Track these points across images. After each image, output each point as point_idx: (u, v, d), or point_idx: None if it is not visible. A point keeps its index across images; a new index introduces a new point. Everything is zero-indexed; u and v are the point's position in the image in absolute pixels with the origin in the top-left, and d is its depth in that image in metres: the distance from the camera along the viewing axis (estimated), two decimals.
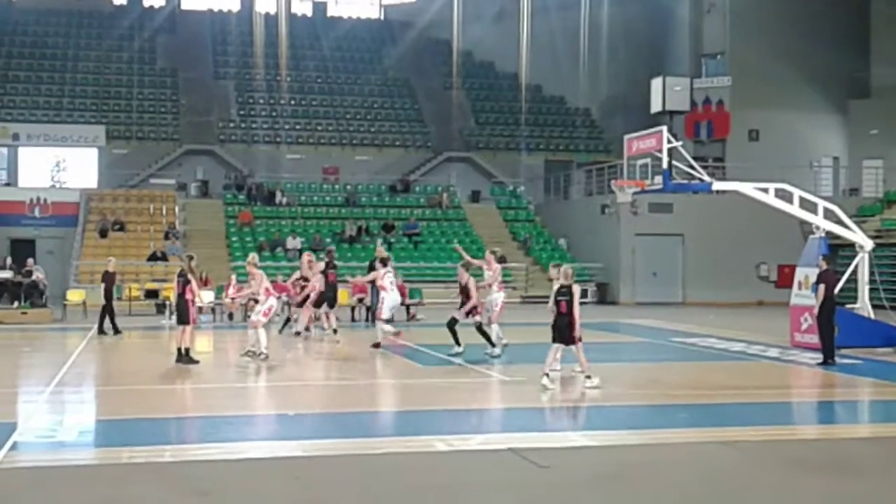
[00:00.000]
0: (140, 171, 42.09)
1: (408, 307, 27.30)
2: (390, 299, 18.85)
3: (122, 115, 44.79)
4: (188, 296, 16.63)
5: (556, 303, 13.88)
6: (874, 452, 10.21)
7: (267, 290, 17.40)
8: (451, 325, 17.44)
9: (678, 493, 8.44)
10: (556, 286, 14.08)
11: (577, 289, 13.94)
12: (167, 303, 26.63)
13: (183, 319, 16.64)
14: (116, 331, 22.25)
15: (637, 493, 8.42)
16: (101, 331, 22.13)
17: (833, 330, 17.15)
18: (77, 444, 10.36)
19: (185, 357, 16.29)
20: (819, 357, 17.24)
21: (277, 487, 8.44)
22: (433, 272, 35.84)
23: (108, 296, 22.35)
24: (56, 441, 10.41)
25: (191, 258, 17.28)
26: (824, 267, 17.47)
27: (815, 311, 17.26)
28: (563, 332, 13.87)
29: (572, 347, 14.07)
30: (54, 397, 13.42)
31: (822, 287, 17.13)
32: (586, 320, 16.41)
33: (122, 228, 36.88)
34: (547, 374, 13.98)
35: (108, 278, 22.57)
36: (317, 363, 18.43)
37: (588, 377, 14.02)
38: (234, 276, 28.08)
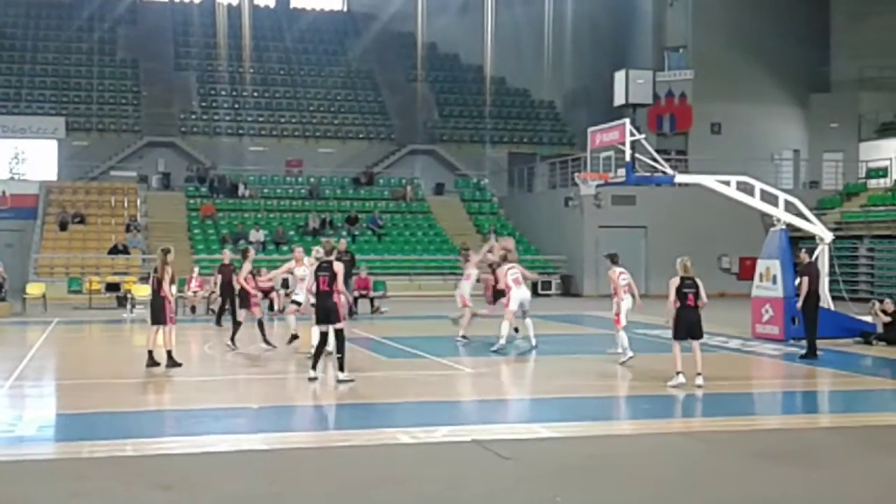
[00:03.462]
0: (100, 163, 41.68)
1: (372, 300, 27.32)
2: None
3: (82, 106, 44.27)
4: (163, 293, 15.18)
5: (684, 296, 13.18)
6: (833, 442, 10.33)
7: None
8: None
9: (641, 483, 8.48)
10: (675, 280, 13.27)
11: (699, 281, 13.35)
12: (128, 296, 26.45)
13: (157, 319, 15.18)
14: (236, 323, 18.44)
15: (600, 484, 8.45)
16: (218, 322, 21.85)
17: (816, 323, 16.92)
18: (37, 439, 10.24)
19: (170, 360, 15.08)
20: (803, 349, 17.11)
21: (241, 481, 8.39)
22: (397, 265, 35.82)
23: (228, 289, 20.72)
24: (15, 436, 10.28)
25: (166, 252, 15.42)
26: (806, 260, 17.36)
27: (800, 304, 17.08)
28: (696, 327, 13.28)
29: (695, 343, 13.35)
30: (13, 391, 13.25)
31: (805, 280, 17.06)
32: (551, 312, 16.45)
33: (82, 221, 36.52)
34: (679, 373, 13.29)
35: (225, 270, 21.47)
36: (279, 357, 18.31)
37: (678, 373, 13.28)
38: (195, 269, 27.90)
